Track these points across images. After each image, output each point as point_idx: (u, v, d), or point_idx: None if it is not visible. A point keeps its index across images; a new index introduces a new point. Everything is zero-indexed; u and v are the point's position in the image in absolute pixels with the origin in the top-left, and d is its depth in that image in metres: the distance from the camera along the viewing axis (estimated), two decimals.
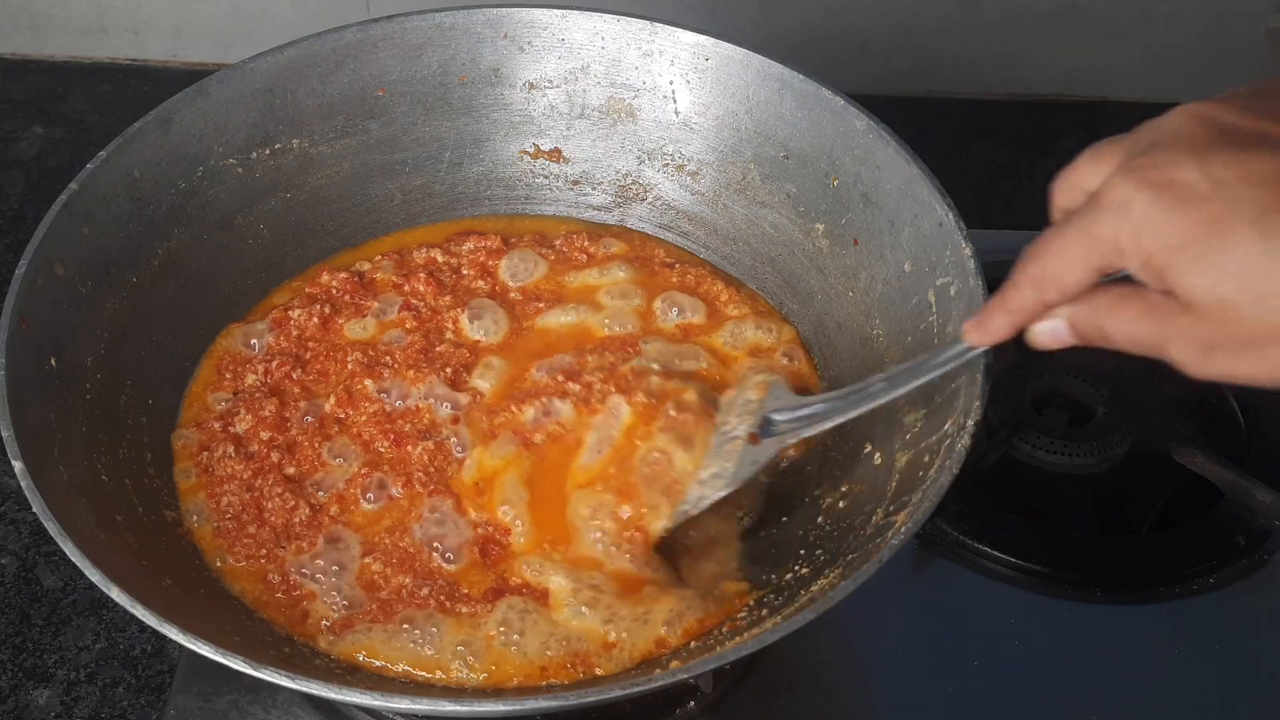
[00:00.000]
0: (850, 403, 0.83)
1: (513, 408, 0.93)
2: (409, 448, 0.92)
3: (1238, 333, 0.59)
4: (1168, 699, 0.93)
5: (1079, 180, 0.66)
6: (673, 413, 0.89)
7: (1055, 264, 0.65)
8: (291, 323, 0.99)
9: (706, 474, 0.87)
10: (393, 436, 0.92)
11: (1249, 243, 0.57)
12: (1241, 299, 0.58)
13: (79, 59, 1.51)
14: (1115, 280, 0.65)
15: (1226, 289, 0.58)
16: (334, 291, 1.02)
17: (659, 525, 0.87)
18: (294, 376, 0.96)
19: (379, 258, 1.06)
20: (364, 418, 0.93)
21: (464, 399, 0.95)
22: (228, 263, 1.01)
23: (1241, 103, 0.63)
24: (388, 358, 0.97)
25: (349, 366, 0.96)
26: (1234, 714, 0.93)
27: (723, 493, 0.86)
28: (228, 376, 0.97)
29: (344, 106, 1.05)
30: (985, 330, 0.72)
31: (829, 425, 0.84)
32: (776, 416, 0.88)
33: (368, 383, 0.95)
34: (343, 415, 0.94)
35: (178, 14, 1.47)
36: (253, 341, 0.99)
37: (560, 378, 0.95)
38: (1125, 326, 0.64)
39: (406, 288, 1.03)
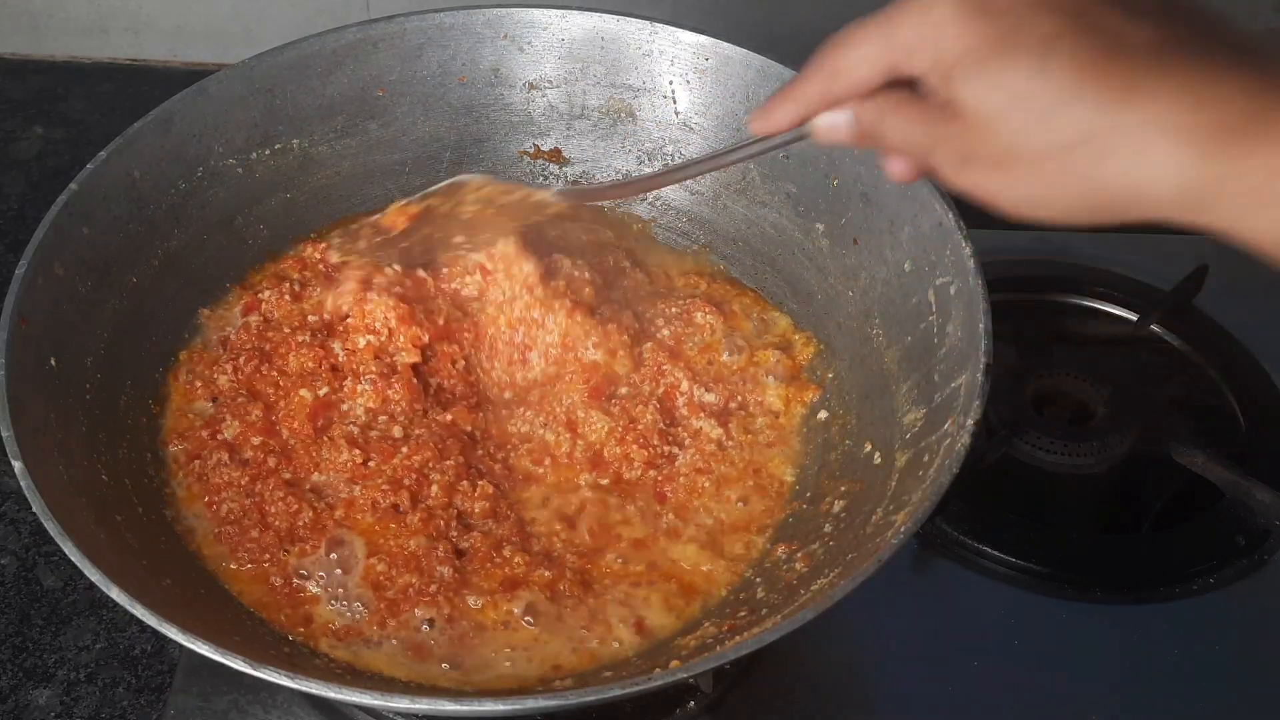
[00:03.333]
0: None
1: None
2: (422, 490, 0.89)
3: (992, 149, 0.60)
4: (1168, 699, 0.93)
5: None
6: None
7: (850, 58, 0.65)
8: (263, 305, 0.97)
9: None
10: (384, 489, 0.88)
11: (1027, 61, 0.58)
12: (1002, 115, 0.59)
13: (79, 59, 1.51)
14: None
15: (993, 103, 0.59)
16: (308, 264, 1.01)
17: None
18: (263, 372, 0.94)
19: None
20: (335, 469, 0.89)
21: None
22: (228, 263, 1.01)
23: None
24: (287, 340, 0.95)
25: (293, 379, 0.93)
26: (1234, 714, 0.93)
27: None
28: (198, 385, 0.94)
29: (344, 106, 1.05)
30: (770, 119, 0.71)
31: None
32: None
33: (303, 392, 0.92)
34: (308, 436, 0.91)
35: (178, 14, 1.47)
36: (227, 329, 0.97)
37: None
38: (900, 127, 0.65)
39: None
